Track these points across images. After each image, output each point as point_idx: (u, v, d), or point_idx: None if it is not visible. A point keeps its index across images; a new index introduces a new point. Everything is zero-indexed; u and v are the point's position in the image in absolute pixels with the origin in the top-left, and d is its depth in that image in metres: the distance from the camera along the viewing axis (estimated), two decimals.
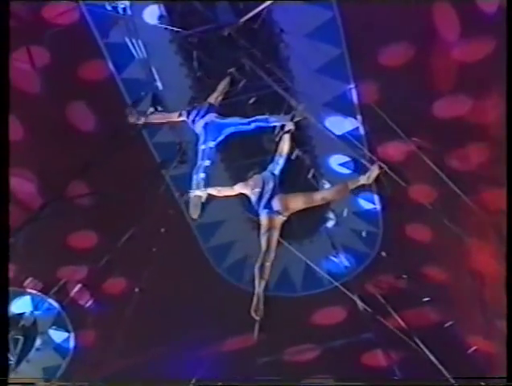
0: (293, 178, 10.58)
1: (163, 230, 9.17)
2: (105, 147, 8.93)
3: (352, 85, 9.37)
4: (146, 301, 10.08)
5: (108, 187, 9.46)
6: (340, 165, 10.50)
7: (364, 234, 10.42)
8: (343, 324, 11.59)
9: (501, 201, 8.92)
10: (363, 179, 7.39)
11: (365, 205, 10.91)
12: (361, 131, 9.87)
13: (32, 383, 9.48)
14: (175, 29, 8.88)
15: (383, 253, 11.06)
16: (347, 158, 10.38)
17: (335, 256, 11.49)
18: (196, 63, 8.65)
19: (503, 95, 8.09)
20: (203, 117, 7.80)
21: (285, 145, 7.46)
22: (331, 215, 11.35)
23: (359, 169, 10.22)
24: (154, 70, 8.39)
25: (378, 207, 10.79)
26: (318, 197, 7.53)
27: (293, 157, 10.71)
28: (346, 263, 11.42)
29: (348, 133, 9.95)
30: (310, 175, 10.30)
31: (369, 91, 9.29)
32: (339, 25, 8.84)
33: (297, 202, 7.39)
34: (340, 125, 9.95)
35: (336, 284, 10.55)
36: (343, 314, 11.71)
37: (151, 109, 7.99)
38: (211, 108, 8.06)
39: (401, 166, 9.74)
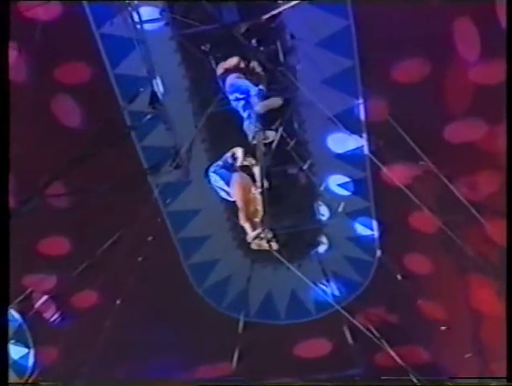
0: (286, 195, 10.39)
1: (150, 238, 8.73)
2: (90, 145, 8.57)
3: (360, 100, 9.20)
4: (117, 318, 9.66)
5: (87, 190, 9.05)
6: (339, 186, 10.29)
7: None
8: (328, 358, 11.27)
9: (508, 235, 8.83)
10: None
11: (362, 231, 10.68)
12: (366, 150, 9.68)
13: (32, 384, 8.97)
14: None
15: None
16: (347, 179, 10.17)
17: (324, 284, 11.22)
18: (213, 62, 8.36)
19: None
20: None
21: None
22: (323, 239, 11.11)
23: (359, 191, 10.07)
24: (151, 67, 8.01)
25: (376, 233, 10.56)
26: None
27: (289, 172, 10.60)
28: (336, 292, 11.15)
29: (352, 152, 9.78)
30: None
31: (378, 108, 9.13)
32: (353, 35, 8.69)
33: None
34: (343, 142, 9.77)
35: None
36: (328, 347, 11.40)
37: (149, 109, 7.66)
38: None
39: (405, 189, 9.57)
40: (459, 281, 10.04)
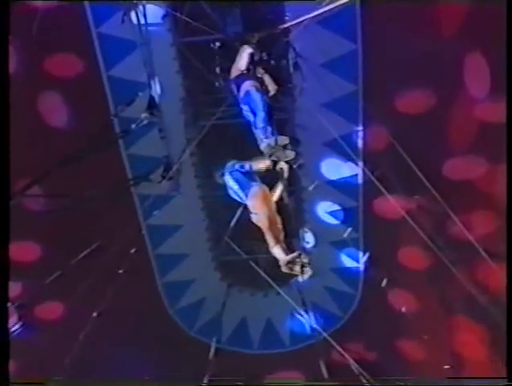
0: None
1: (133, 250, 8.44)
2: (74, 148, 8.29)
3: (360, 127, 9.14)
4: (83, 333, 9.32)
5: (66, 195, 8.73)
6: (328, 213, 10.17)
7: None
8: None
9: (500, 279, 8.79)
10: None
11: (347, 262, 10.57)
12: (360, 179, 9.61)
13: (34, 383, 8.49)
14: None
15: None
16: (337, 207, 10.06)
17: (302, 315, 11.05)
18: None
19: None
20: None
21: None
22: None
23: (348, 221, 9.97)
24: (152, 71, 7.82)
25: (362, 266, 10.46)
26: None
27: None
28: (314, 324, 10.98)
29: (345, 180, 9.69)
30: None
31: (378, 137, 9.07)
32: (360, 60, 8.64)
33: None
34: (337, 168, 9.68)
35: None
36: (301, 380, 11.20)
37: (146, 114, 7.45)
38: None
39: (396, 224, 9.52)
40: (443, 321, 9.95)
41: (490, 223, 8.92)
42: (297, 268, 5.46)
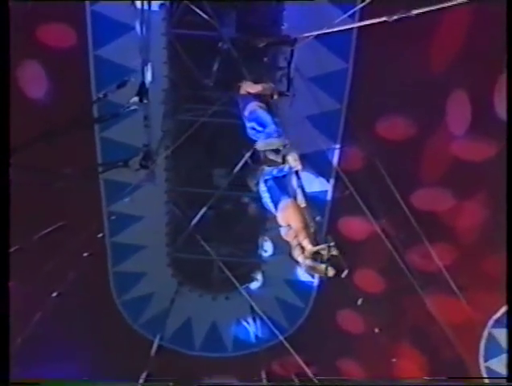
0: (234, 223, 10.36)
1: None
2: (48, 121, 8.21)
3: (337, 146, 9.37)
4: (30, 313, 9.21)
5: (36, 169, 8.58)
6: None
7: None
8: None
9: (458, 313, 9.20)
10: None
11: (302, 276, 10.76)
12: (329, 196, 9.84)
13: (34, 384, 8.24)
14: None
15: None
16: None
17: (248, 322, 11.19)
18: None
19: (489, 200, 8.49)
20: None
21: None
22: (258, 275, 11.11)
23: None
24: (146, 55, 7.84)
25: (316, 281, 10.68)
26: None
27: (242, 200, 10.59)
28: (259, 332, 11.14)
29: (314, 194, 9.86)
30: None
31: (353, 157, 9.33)
32: (348, 79, 8.88)
33: None
34: (308, 182, 9.82)
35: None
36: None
37: (135, 99, 7.45)
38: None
39: (358, 244, 9.79)
40: (387, 346, 10.26)
41: (448, 256, 9.26)
42: (319, 266, 5.33)
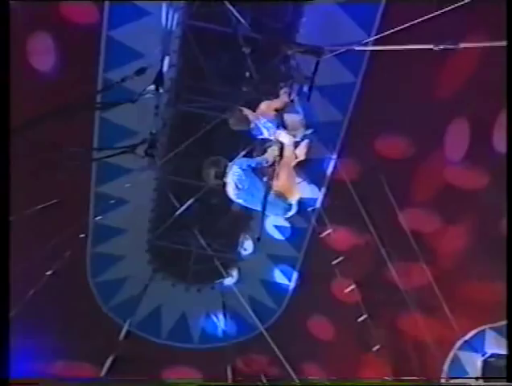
0: (218, 217, 10.52)
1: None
2: (55, 96, 8.22)
3: (334, 156, 9.64)
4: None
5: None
6: (276, 227, 10.60)
7: None
8: None
9: (427, 332, 9.59)
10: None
11: (279, 278, 11.03)
12: (318, 204, 10.11)
13: (34, 383, 8.14)
14: None
15: None
16: (287, 224, 10.50)
17: (217, 317, 11.41)
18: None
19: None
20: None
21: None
22: (234, 272, 11.32)
23: (294, 240, 10.45)
24: (167, 44, 7.91)
25: (292, 285, 10.96)
26: None
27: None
28: (227, 328, 11.36)
29: (303, 201, 10.10)
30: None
31: (348, 169, 9.60)
32: (355, 93, 9.15)
33: None
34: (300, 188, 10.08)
35: None
36: (197, 377, 11.51)
37: (152, 87, 7.55)
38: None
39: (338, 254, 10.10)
40: (354, 355, 10.62)
41: (425, 277, 9.61)
42: None
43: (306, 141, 6.71)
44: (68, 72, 8.72)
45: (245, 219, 10.69)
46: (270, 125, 6.73)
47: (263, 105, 6.97)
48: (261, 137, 6.94)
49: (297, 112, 7.06)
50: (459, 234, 9.36)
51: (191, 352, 11.37)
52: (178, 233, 10.86)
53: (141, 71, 7.27)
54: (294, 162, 6.58)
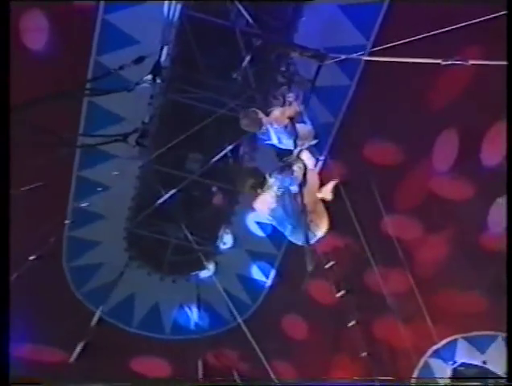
0: (200, 210, 10.54)
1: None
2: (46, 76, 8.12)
3: (322, 156, 9.69)
4: None
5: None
6: (257, 223, 10.64)
7: None
8: (165, 380, 11.41)
9: (400, 338, 9.77)
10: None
11: (256, 274, 11.09)
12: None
13: (34, 383, 7.99)
14: None
15: None
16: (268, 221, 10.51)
17: (190, 309, 11.43)
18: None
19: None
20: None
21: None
22: (211, 265, 11.34)
23: (274, 237, 10.50)
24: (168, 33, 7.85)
25: (269, 283, 11.03)
26: None
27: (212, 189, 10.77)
28: (199, 321, 11.40)
29: None
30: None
31: (334, 171, 9.65)
32: (348, 97, 9.22)
33: None
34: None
35: None
36: (167, 370, 11.54)
37: (149, 77, 7.50)
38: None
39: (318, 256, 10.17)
40: (326, 355, 10.76)
41: (403, 284, 9.78)
42: None
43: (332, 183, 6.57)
44: (61, 53, 8.59)
45: (227, 213, 10.69)
46: (282, 132, 6.74)
47: (277, 112, 7.00)
48: (268, 142, 6.94)
49: (305, 122, 7.07)
50: (439, 243, 9.53)
51: (162, 343, 11.36)
52: (157, 223, 10.84)
53: (139, 60, 7.18)
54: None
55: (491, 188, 8.89)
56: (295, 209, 6.14)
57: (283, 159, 6.61)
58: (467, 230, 9.15)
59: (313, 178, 6.43)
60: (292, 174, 6.52)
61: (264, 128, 6.74)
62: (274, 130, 6.74)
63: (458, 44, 7.47)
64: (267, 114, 6.89)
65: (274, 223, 6.53)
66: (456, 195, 9.12)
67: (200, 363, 10.89)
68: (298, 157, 6.49)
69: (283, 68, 8.50)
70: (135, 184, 10.31)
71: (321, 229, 6.28)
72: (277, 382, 10.67)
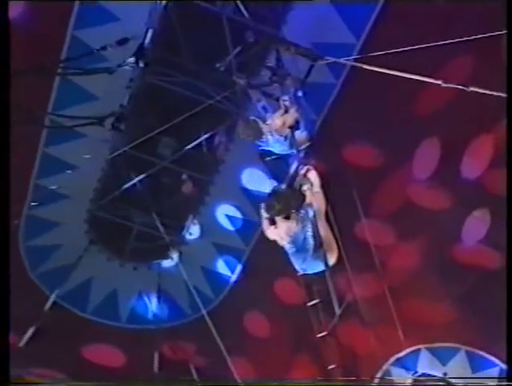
0: (168, 198, 10.31)
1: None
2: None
3: (301, 154, 9.52)
4: None
5: None
6: (227, 217, 10.47)
7: None
8: (118, 369, 11.20)
9: (363, 343, 9.75)
10: None
11: (221, 268, 10.92)
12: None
13: (34, 383, 7.58)
14: None
15: None
16: (239, 215, 10.37)
17: (149, 298, 11.22)
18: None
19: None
20: None
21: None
22: (174, 255, 11.12)
23: (243, 232, 10.35)
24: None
25: (234, 278, 10.87)
26: None
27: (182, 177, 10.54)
28: (158, 311, 11.19)
29: (259, 193, 10.00)
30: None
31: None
32: (333, 95, 9.07)
33: None
34: (257, 180, 9.98)
35: None
36: (121, 359, 11.32)
37: (132, 59, 7.21)
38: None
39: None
40: (286, 355, 10.69)
41: (373, 289, 9.75)
42: None
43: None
44: (36, 24, 8.21)
45: (196, 203, 10.48)
46: (281, 141, 6.63)
47: (278, 121, 6.91)
48: (264, 148, 6.78)
49: (299, 128, 6.94)
50: (411, 251, 9.49)
51: (117, 331, 11.11)
52: (122, 207, 10.55)
53: (123, 42, 6.89)
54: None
55: (469, 201, 8.89)
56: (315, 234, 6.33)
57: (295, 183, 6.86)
58: (440, 240, 9.13)
59: (320, 201, 6.34)
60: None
61: (264, 137, 6.64)
62: (275, 140, 6.62)
63: (451, 47, 7.42)
64: (263, 121, 6.77)
65: (293, 250, 6.70)
66: (433, 204, 9.07)
67: (156, 355, 10.63)
68: (305, 176, 6.43)
69: (271, 64, 8.22)
70: (103, 166, 9.97)
71: (333, 258, 6.55)
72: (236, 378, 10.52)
